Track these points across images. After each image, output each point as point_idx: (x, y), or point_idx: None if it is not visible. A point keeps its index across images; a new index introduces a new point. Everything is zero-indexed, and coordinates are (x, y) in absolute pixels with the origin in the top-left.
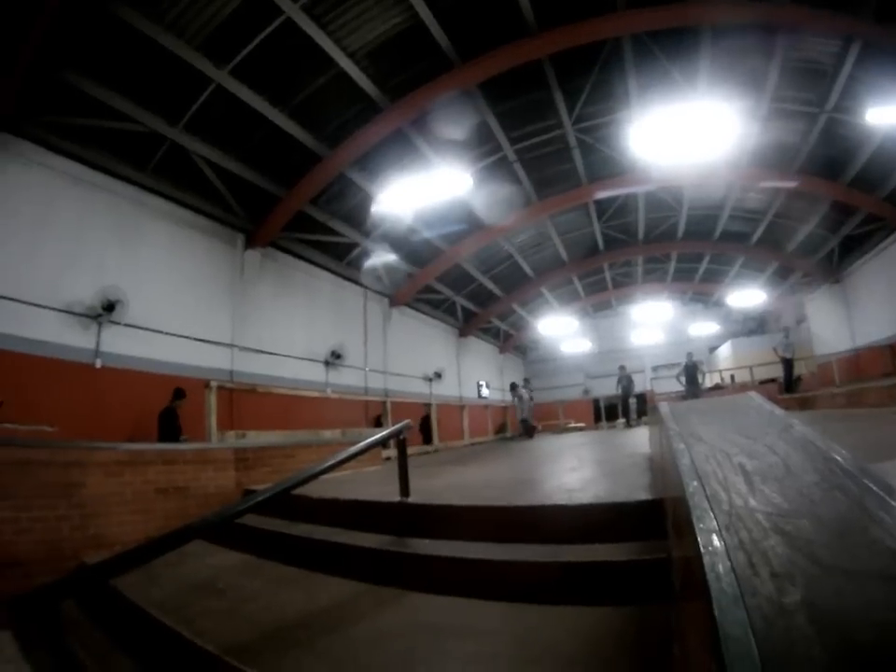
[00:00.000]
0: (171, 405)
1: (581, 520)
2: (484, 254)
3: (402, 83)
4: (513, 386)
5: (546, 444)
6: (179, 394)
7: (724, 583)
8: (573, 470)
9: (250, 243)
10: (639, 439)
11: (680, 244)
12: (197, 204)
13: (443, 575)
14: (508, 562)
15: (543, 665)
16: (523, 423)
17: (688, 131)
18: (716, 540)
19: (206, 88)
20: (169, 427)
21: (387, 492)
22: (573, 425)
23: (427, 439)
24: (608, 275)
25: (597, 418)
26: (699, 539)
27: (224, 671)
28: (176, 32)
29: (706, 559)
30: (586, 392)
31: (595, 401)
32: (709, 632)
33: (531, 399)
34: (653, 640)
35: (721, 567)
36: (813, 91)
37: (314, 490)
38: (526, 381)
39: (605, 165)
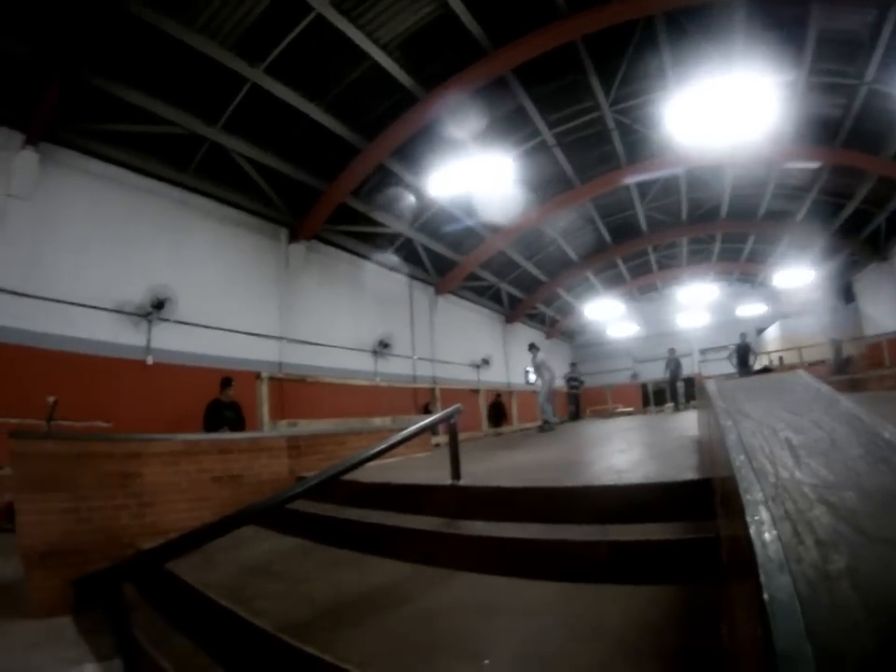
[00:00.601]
0: (217, 398)
1: (629, 500)
2: (528, 239)
3: (436, 72)
4: (532, 348)
5: (594, 428)
6: (227, 382)
7: (770, 551)
8: (622, 452)
9: (294, 236)
10: (687, 423)
11: (724, 223)
12: (240, 202)
13: (494, 555)
14: (557, 542)
15: (593, 641)
16: (543, 413)
17: (726, 107)
18: (762, 511)
19: (242, 87)
20: (216, 419)
21: (438, 476)
22: (621, 409)
23: (497, 424)
24: (652, 258)
25: (645, 403)
26: (746, 510)
27: (280, 649)
28: (209, 34)
29: (752, 529)
30: (634, 376)
31: (643, 386)
32: (756, 598)
33: (552, 379)
34: (701, 618)
35: (767, 536)
36: (851, 63)
37: (365, 475)
38: (573, 365)
39: (644, 146)
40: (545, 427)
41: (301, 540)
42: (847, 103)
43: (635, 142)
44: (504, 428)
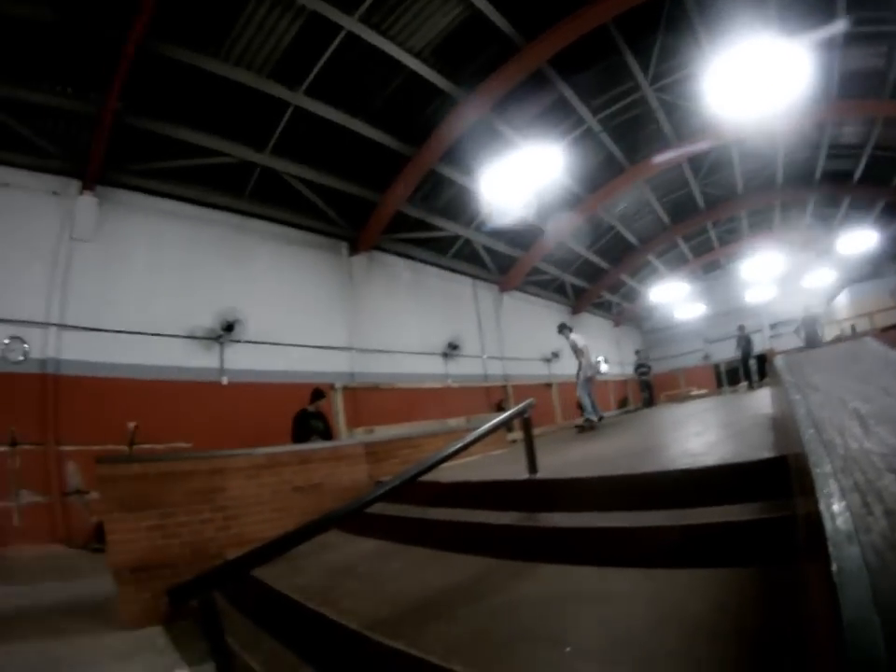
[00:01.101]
0: (304, 409)
1: (706, 482)
2: (586, 228)
3: (474, 73)
4: (563, 329)
5: (668, 413)
6: (318, 394)
7: (839, 522)
8: (697, 435)
9: (354, 249)
10: (762, 400)
11: (781, 192)
12: (297, 221)
13: (574, 545)
14: (635, 529)
15: (673, 625)
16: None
17: (766, 71)
18: (831, 483)
19: (285, 111)
20: (305, 430)
21: (515, 471)
22: (695, 392)
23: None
24: (712, 234)
25: (719, 383)
26: (815, 483)
27: (369, 646)
28: (245, 65)
29: (821, 501)
30: (706, 357)
31: (716, 366)
32: (825, 570)
33: (588, 366)
34: (779, 599)
35: (835, 508)
36: (888, 8)
37: (443, 475)
38: (638, 352)
39: (690, 122)
40: (585, 426)
41: (383, 542)
42: (888, 51)
43: (680, 118)
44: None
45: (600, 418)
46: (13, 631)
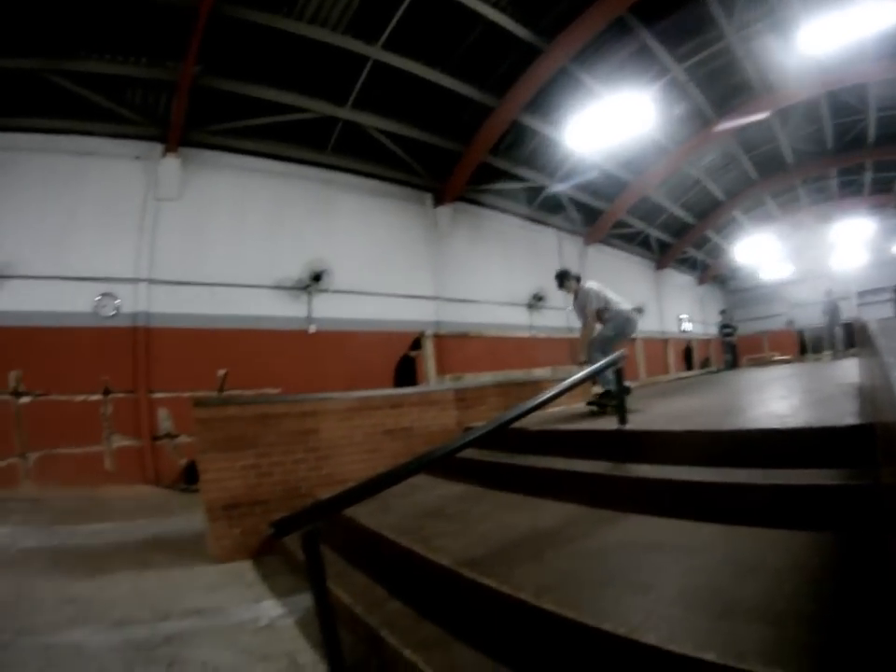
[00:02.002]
0: (407, 354)
1: (790, 444)
2: (672, 182)
3: (553, 21)
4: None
5: (752, 376)
6: (418, 344)
7: None
8: (781, 399)
9: (439, 200)
10: (847, 370)
11: (874, 150)
12: (381, 173)
13: (658, 497)
14: (719, 484)
15: (753, 578)
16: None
17: (857, 13)
18: None
19: (364, 65)
20: (407, 374)
21: (601, 422)
22: (778, 357)
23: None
24: (801, 192)
25: (802, 350)
26: None
27: (460, 583)
28: (320, 22)
29: None
30: (790, 322)
31: (800, 332)
32: None
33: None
34: (858, 565)
35: None
36: None
37: (531, 423)
38: (723, 312)
39: (777, 72)
40: (601, 404)
41: (471, 486)
42: None
43: (767, 68)
44: (660, 377)
45: (622, 391)
46: (106, 564)
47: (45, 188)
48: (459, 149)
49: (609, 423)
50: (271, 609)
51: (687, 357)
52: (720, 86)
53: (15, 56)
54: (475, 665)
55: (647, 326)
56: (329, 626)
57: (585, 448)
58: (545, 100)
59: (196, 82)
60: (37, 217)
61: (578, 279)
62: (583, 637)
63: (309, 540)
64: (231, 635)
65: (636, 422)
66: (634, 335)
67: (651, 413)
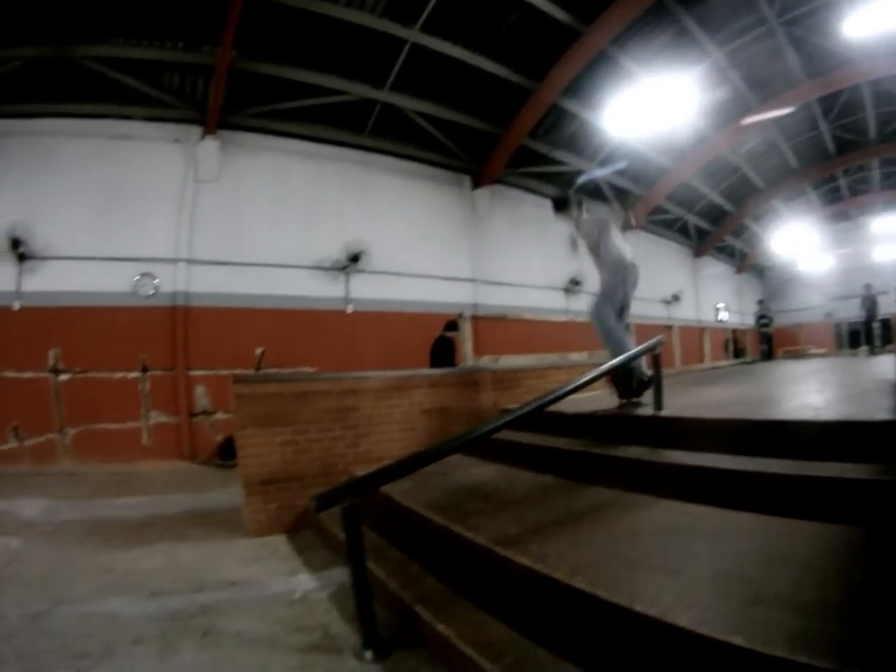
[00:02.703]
0: (443, 335)
1: (823, 436)
2: (711, 168)
3: (592, 4)
4: (562, 203)
5: (787, 368)
6: (452, 326)
7: None
8: (816, 392)
9: (477, 183)
10: (883, 366)
11: None
12: (420, 155)
13: (693, 484)
14: (752, 473)
15: (782, 567)
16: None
17: None
18: None
19: (402, 48)
20: (443, 355)
21: (636, 408)
22: (814, 350)
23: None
24: (842, 183)
25: (838, 344)
26: None
27: (495, 560)
28: (357, 5)
29: None
30: (827, 315)
31: (836, 326)
32: None
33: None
34: (890, 560)
35: None
36: None
37: (568, 407)
38: (761, 302)
39: (821, 59)
40: (631, 385)
41: (506, 467)
42: None
43: (811, 55)
44: (695, 366)
45: (642, 383)
46: (143, 536)
47: (84, 171)
48: (498, 132)
49: (644, 408)
50: (305, 582)
51: (728, 346)
52: (761, 71)
53: (52, 44)
54: (507, 641)
55: (683, 314)
56: (364, 599)
57: (620, 433)
58: (584, 83)
59: (233, 66)
60: (77, 199)
61: (580, 205)
62: (615, 617)
63: (350, 515)
64: (266, 606)
65: (670, 408)
66: (635, 289)
67: (686, 400)
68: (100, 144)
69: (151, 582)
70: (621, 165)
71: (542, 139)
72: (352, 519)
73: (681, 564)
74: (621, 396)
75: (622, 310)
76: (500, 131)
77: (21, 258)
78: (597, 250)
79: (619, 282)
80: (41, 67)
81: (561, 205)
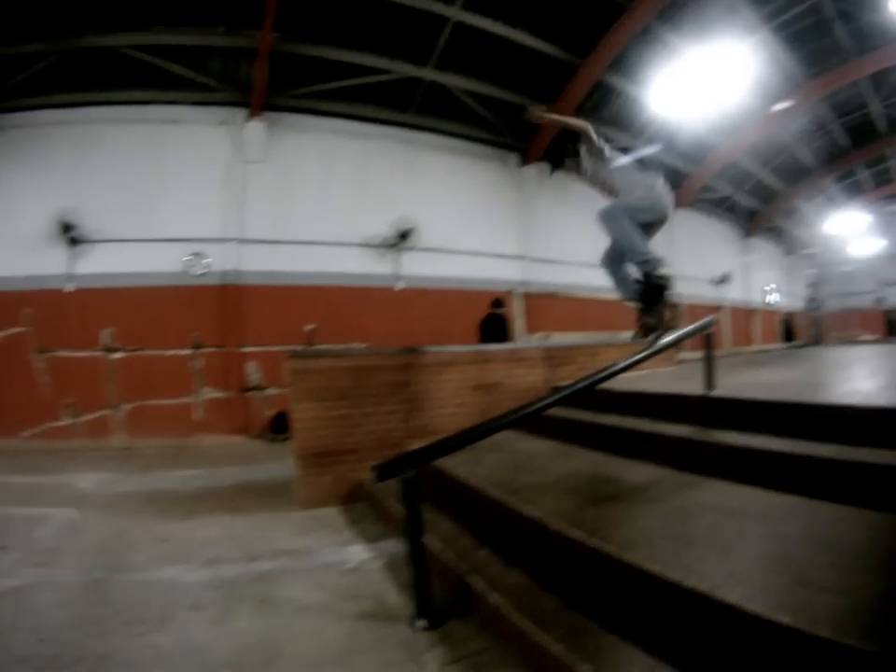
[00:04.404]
0: (492, 312)
1: (873, 422)
2: (759, 146)
3: None
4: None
5: (836, 354)
6: (498, 303)
7: None
8: (866, 378)
9: (525, 160)
10: None
11: None
12: (465, 133)
13: (741, 464)
14: (801, 456)
15: (829, 551)
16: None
17: None
18: None
19: (445, 26)
20: (494, 331)
21: (687, 387)
22: (864, 337)
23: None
24: (894, 164)
25: (889, 331)
26: None
27: (548, 534)
28: None
29: None
30: (879, 301)
31: (888, 312)
32: None
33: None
34: None
35: None
36: None
37: (618, 385)
38: (810, 285)
39: (870, 34)
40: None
41: (556, 443)
42: None
43: (860, 30)
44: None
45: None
46: (198, 508)
47: (133, 156)
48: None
49: (694, 388)
50: (358, 552)
51: (783, 329)
52: (810, 47)
53: (95, 34)
54: (558, 613)
55: (732, 295)
56: (420, 568)
57: (670, 411)
58: (630, 59)
59: (275, 48)
60: (127, 184)
61: (577, 152)
62: (665, 592)
63: (409, 486)
64: (320, 575)
65: (721, 389)
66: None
67: (736, 381)
68: (147, 129)
69: (207, 552)
70: (655, 149)
71: (589, 116)
72: (411, 490)
73: (730, 543)
74: (643, 328)
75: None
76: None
77: (73, 241)
78: (619, 178)
79: (650, 209)
80: (84, 58)
81: (558, 158)
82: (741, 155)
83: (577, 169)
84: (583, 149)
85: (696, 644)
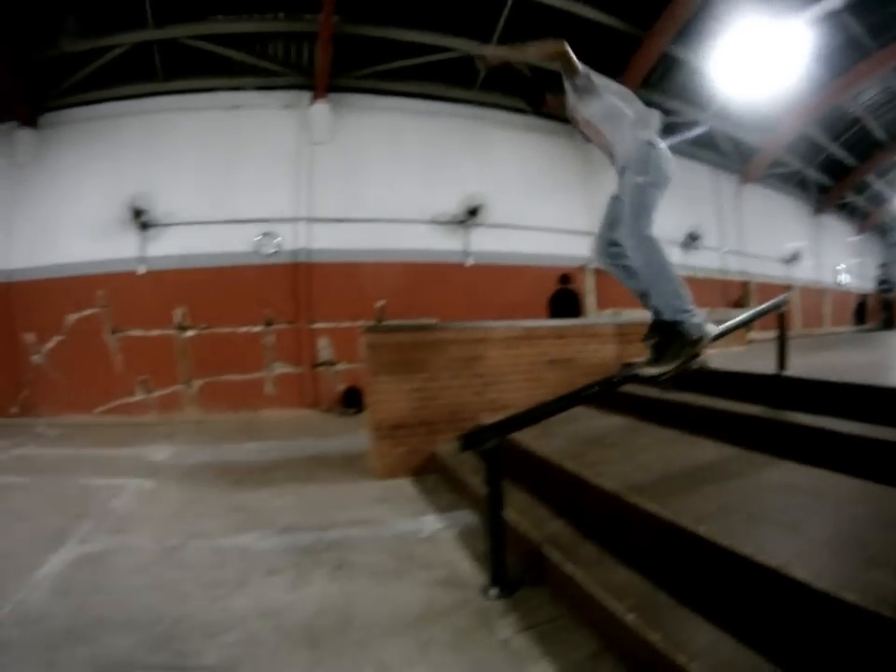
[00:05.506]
0: (563, 288)
1: None
2: (830, 119)
3: None
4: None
5: None
6: (566, 279)
7: None
8: None
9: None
10: None
11: None
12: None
13: (812, 446)
14: (874, 440)
15: None
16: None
17: None
18: None
19: (505, 2)
20: (566, 307)
21: (760, 366)
22: None
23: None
24: None
25: None
26: None
27: (623, 507)
28: None
29: None
30: None
31: None
32: None
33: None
34: None
35: None
36: None
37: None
38: (883, 266)
39: None
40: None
41: (630, 419)
42: None
43: None
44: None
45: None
46: (271, 478)
47: (200, 142)
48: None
49: (766, 367)
50: (431, 522)
51: (856, 311)
52: (879, 14)
53: (156, 27)
54: (630, 584)
55: (801, 274)
56: (498, 537)
57: (742, 390)
58: (694, 30)
59: (337, 31)
60: (196, 168)
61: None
62: (736, 566)
63: (491, 456)
64: (394, 544)
65: (794, 369)
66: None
67: (807, 362)
68: (213, 115)
69: (281, 520)
70: (703, 129)
71: (653, 89)
72: (493, 459)
73: (800, 522)
74: (655, 359)
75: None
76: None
77: (144, 226)
78: (613, 135)
79: (659, 182)
80: (147, 51)
81: (534, 95)
82: (810, 128)
83: (559, 105)
84: (566, 81)
85: (763, 619)
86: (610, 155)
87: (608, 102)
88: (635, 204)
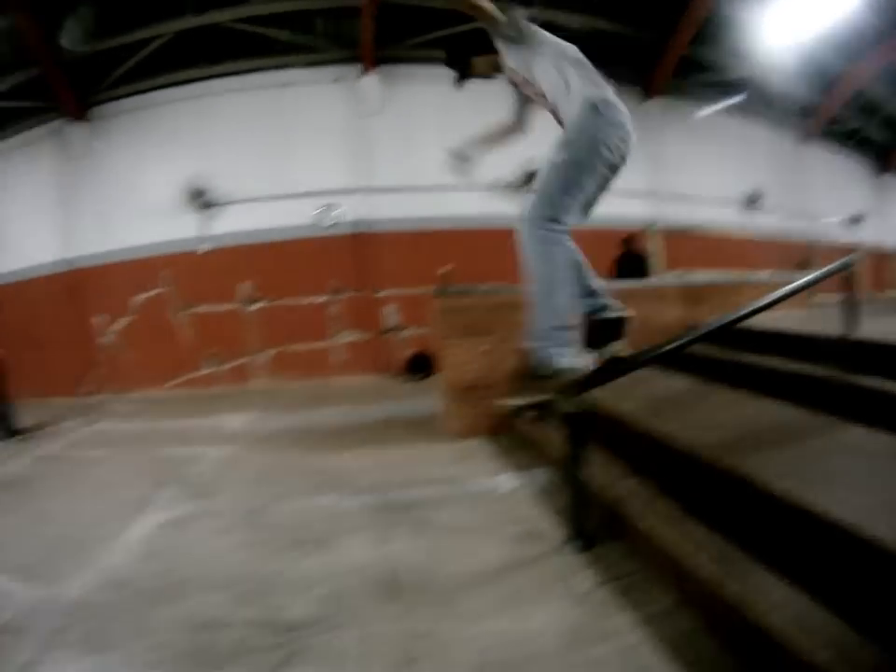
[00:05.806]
0: (629, 250)
1: None
2: (891, 72)
3: None
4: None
5: None
6: (630, 241)
7: None
8: None
9: (647, 95)
10: None
11: None
12: None
13: (882, 410)
14: None
15: None
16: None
17: None
18: None
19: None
20: (633, 269)
21: (826, 326)
22: None
23: None
24: None
25: None
26: None
27: (701, 464)
28: None
29: None
30: None
31: None
32: None
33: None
34: None
35: None
36: None
37: (755, 324)
38: None
39: None
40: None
41: (697, 380)
42: None
43: None
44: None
45: (612, 323)
46: (347, 442)
47: (253, 121)
48: (661, 42)
49: (833, 327)
50: (507, 481)
51: None
52: None
53: (194, 14)
54: (705, 540)
55: (866, 237)
56: (578, 490)
57: (809, 352)
58: None
59: (380, 1)
60: (251, 147)
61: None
62: (809, 523)
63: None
64: (472, 501)
65: (864, 330)
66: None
67: (875, 328)
68: (264, 94)
69: (361, 480)
70: (738, 98)
71: (707, 46)
72: (578, 418)
73: (874, 485)
74: (589, 343)
75: (588, 204)
76: (663, 40)
77: (205, 205)
78: (561, 88)
79: (609, 144)
80: (191, 38)
81: (456, 62)
82: (869, 84)
83: (490, 66)
84: (494, 37)
85: (835, 577)
86: (558, 120)
87: (545, 53)
88: (545, 183)
